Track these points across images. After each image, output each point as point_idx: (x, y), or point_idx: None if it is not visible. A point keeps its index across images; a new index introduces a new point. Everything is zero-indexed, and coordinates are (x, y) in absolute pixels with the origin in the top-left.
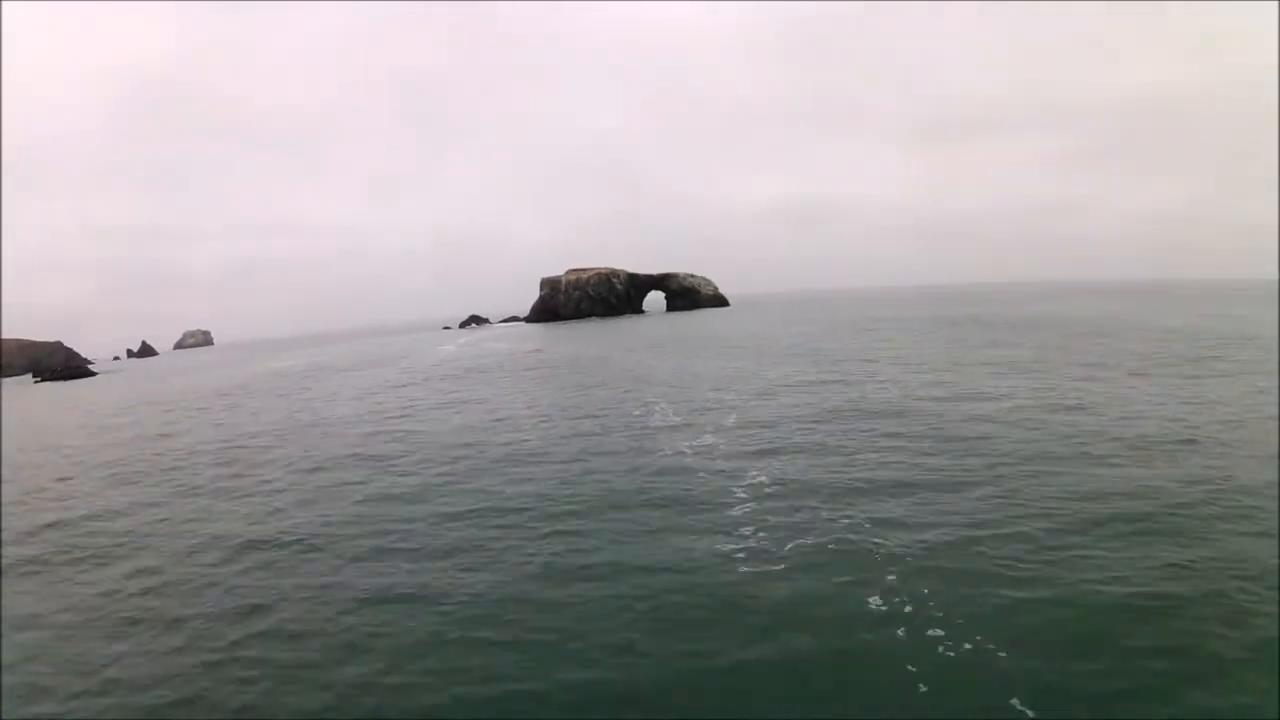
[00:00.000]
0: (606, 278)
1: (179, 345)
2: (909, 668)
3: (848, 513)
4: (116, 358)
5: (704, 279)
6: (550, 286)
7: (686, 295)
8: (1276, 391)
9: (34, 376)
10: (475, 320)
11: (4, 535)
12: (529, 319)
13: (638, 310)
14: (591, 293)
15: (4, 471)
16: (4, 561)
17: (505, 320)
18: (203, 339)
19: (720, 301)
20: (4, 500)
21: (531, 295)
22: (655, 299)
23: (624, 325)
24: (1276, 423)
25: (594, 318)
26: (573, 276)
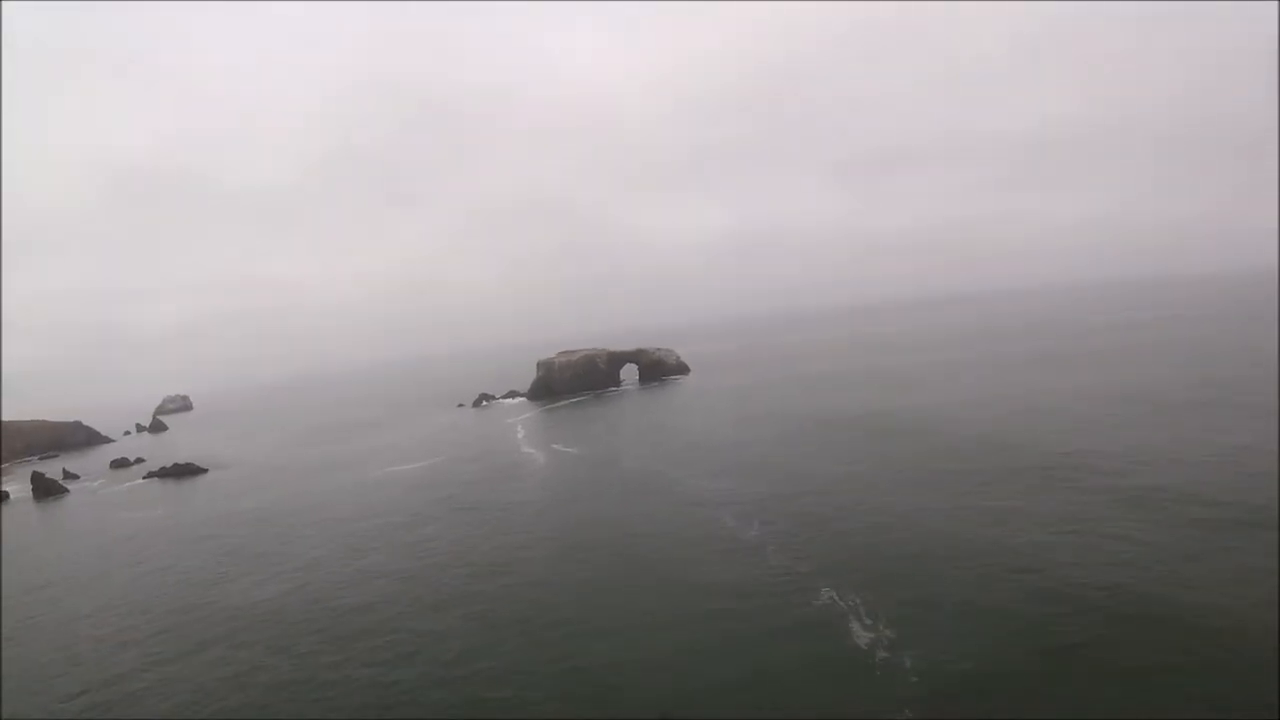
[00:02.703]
0: (591, 358)
1: (159, 410)
2: None
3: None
4: (127, 433)
5: (668, 350)
6: (545, 368)
7: (656, 367)
8: None
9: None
10: (485, 398)
11: None
12: (529, 395)
13: (616, 383)
14: (580, 371)
15: None
16: None
17: (506, 395)
18: (182, 404)
19: (682, 369)
20: None
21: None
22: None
23: (611, 413)
24: None
25: (583, 392)
26: (563, 359)
